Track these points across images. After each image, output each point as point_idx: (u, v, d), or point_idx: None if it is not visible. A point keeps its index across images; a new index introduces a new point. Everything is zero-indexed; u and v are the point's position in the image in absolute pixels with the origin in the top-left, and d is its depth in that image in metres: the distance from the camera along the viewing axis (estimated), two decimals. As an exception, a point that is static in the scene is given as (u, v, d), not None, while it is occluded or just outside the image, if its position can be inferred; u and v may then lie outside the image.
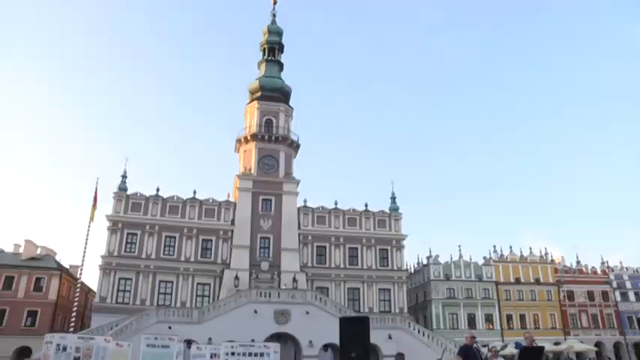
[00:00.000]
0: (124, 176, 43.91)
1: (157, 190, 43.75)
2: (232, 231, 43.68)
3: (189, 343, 24.30)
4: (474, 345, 10.67)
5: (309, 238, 45.44)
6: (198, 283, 41.53)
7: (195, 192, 44.64)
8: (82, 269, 30.39)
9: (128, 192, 43.04)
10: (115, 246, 41.01)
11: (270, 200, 45.55)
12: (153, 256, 41.45)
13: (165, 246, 42.10)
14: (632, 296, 57.26)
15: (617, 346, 54.28)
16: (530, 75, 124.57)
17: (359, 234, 46.70)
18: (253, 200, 45.02)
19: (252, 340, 21.92)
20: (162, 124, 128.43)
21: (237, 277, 40.68)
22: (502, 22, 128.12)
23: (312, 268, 44.13)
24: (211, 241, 43.26)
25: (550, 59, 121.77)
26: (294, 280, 41.64)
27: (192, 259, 42.11)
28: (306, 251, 44.97)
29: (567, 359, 46.78)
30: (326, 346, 35.25)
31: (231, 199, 46.12)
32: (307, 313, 36.11)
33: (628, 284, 57.92)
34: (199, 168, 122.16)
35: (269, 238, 44.13)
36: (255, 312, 35.26)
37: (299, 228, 45.22)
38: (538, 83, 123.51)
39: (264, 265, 42.51)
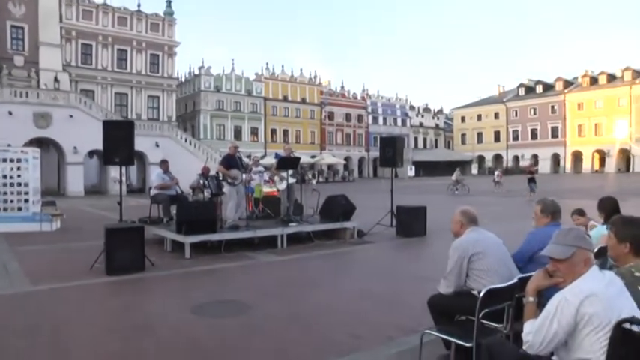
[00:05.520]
0: None
1: None
2: (-25, 14, 37.49)
3: None
4: (237, 154, 10.97)
5: (73, 34, 41.76)
6: None
7: None
8: None
9: None
10: None
11: (25, -20, 39.47)
12: None
13: None
14: (381, 121, 69.21)
15: (361, 160, 66.65)
16: None
17: (129, 35, 44.49)
18: (2, -23, 38.47)
19: (9, 145, 18.90)
20: None
21: (-16, 72, 36.43)
22: None
23: (76, 69, 41.56)
24: (-52, 24, 36.74)
25: None
26: (56, 80, 39.06)
27: None
28: (70, 49, 41.60)
29: (320, 170, 55.14)
30: (92, 153, 35.57)
31: (-27, -26, 38.55)
32: (71, 117, 34.82)
33: (380, 110, 69.30)
34: None
35: (23, 28, 39.23)
36: (10, 114, 32.40)
37: (61, 21, 40.87)
38: None
39: (19, 60, 38.52)
